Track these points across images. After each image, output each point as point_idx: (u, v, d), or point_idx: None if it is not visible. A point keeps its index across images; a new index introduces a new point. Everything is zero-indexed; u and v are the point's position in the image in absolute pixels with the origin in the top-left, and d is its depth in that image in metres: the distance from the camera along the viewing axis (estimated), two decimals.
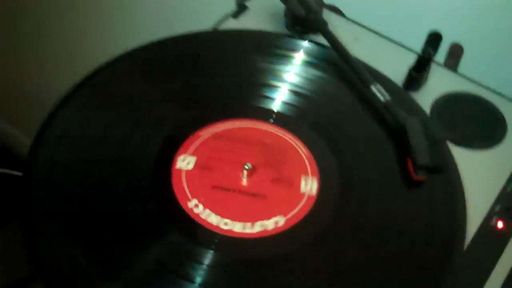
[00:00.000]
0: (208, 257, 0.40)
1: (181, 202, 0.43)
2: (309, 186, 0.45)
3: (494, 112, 0.53)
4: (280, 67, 0.53)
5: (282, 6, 0.56)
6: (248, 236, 0.42)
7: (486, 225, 0.45)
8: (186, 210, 0.43)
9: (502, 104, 0.53)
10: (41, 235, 0.41)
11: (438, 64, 0.56)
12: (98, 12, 1.01)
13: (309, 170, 0.46)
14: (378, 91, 0.50)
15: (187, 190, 0.44)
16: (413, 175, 0.46)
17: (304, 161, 0.47)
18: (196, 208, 0.43)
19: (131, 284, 0.39)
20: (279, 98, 0.51)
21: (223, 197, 0.44)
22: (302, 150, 0.48)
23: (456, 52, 0.56)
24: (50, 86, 1.00)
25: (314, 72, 0.53)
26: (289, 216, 0.43)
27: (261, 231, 0.42)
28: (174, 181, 0.45)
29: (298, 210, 0.44)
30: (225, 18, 0.58)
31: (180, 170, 0.45)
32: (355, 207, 0.44)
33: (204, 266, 0.40)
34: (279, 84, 0.52)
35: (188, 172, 0.45)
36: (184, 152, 0.47)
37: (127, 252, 0.40)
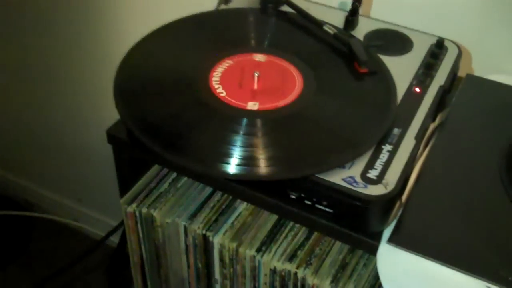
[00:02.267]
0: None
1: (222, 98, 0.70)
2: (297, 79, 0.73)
3: (403, 36, 0.81)
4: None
5: None
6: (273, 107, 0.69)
7: (409, 91, 0.73)
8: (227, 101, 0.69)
9: (408, 32, 0.82)
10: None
11: (363, 15, 0.85)
12: None
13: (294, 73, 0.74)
14: (329, 28, 0.78)
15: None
16: (359, 69, 0.73)
17: (291, 71, 0.74)
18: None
19: None
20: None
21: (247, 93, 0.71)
22: (288, 65, 0.75)
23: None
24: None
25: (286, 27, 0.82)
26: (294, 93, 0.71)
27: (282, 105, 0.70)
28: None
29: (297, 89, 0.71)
30: (219, 4, 0.86)
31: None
32: (328, 88, 0.72)
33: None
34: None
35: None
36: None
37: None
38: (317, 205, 0.63)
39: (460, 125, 0.75)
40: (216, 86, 0.71)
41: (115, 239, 1.08)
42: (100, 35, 1.27)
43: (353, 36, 0.77)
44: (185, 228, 0.77)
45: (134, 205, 0.79)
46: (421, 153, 0.69)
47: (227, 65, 0.75)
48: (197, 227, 0.76)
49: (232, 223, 0.77)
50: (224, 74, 0.73)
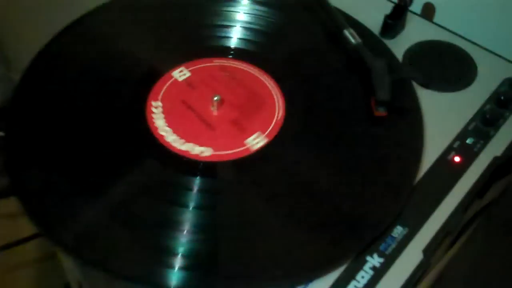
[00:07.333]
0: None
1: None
2: (279, 110, 0.49)
3: (466, 58, 0.54)
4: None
5: None
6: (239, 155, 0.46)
7: (443, 159, 0.47)
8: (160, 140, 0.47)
9: (474, 52, 0.55)
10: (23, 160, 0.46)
11: (416, 14, 0.58)
12: None
13: (276, 96, 0.50)
14: (351, 35, 0.53)
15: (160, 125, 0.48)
16: (373, 110, 0.48)
17: (272, 91, 0.51)
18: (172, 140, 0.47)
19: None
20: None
21: (198, 127, 0.48)
22: (270, 83, 0.51)
23: (429, 10, 0.59)
24: None
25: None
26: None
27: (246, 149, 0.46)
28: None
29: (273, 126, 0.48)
30: None
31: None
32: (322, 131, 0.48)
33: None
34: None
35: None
36: (155, 99, 0.50)
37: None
38: None
39: None
40: (155, 120, 0.49)
41: None
42: None
43: (380, 58, 0.51)
44: None
45: None
46: (439, 259, 0.45)
47: (179, 77, 0.52)
48: None
49: None
50: (167, 94, 0.51)
